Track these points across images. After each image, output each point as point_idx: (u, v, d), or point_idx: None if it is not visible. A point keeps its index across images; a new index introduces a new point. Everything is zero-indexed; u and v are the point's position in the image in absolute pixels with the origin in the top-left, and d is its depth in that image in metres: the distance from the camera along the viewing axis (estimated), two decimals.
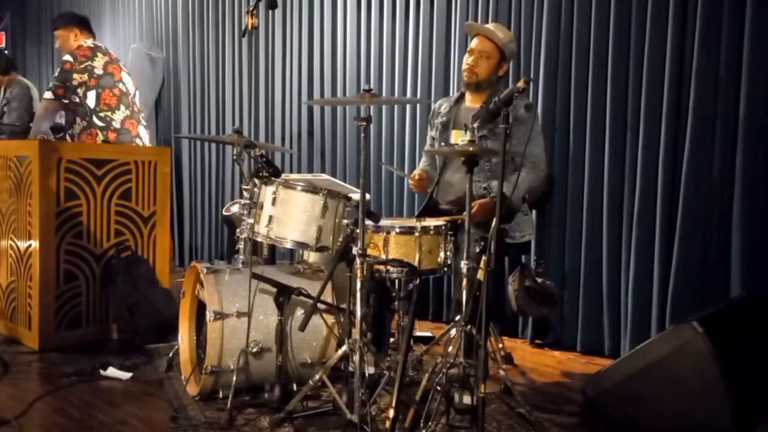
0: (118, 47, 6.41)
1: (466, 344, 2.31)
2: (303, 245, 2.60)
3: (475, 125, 2.99)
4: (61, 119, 3.87)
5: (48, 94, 3.71)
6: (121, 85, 3.79)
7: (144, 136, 3.87)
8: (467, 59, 3.08)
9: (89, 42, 3.85)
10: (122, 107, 3.75)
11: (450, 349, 2.36)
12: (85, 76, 3.63)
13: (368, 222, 2.50)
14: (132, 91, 3.88)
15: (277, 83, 4.98)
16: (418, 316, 3.32)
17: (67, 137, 3.71)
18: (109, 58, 3.80)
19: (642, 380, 2.18)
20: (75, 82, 3.63)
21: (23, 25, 8.11)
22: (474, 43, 3.09)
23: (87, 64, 3.65)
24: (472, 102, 3.14)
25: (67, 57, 3.67)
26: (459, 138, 3.11)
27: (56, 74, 3.68)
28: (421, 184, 3.15)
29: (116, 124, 3.71)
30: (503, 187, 2.17)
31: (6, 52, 7.36)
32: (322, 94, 4.62)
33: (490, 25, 3.19)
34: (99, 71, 3.69)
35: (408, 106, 4.10)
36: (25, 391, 2.61)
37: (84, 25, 4.05)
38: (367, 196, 2.56)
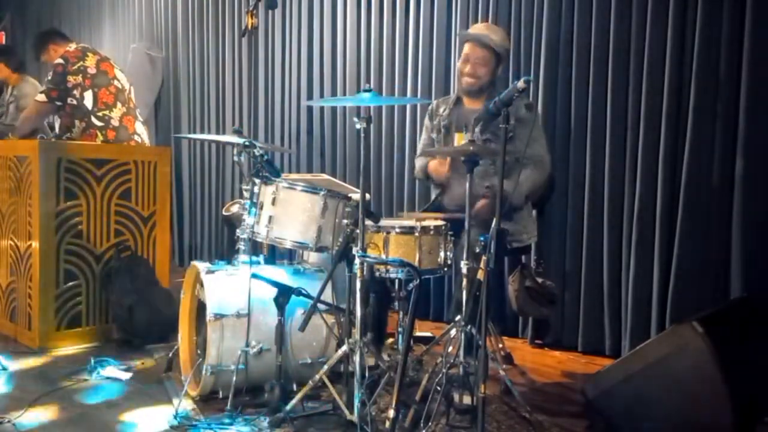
0: (118, 47, 6.41)
1: (466, 344, 2.31)
2: (303, 245, 2.60)
3: (478, 128, 2.98)
4: (55, 123, 3.84)
5: (41, 97, 3.65)
6: (116, 82, 3.76)
7: (142, 132, 3.85)
8: (464, 68, 3.06)
9: (74, 46, 3.83)
10: (119, 104, 3.72)
11: (450, 349, 2.36)
12: (80, 78, 3.59)
13: (368, 222, 2.50)
14: (127, 87, 3.85)
15: (276, 83, 4.98)
16: (418, 316, 3.32)
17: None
18: (100, 57, 3.78)
19: (642, 380, 2.18)
20: (70, 85, 3.58)
21: (23, 25, 8.10)
22: (468, 48, 3.05)
23: (79, 64, 3.62)
24: (471, 104, 3.13)
25: (59, 60, 3.62)
26: (462, 141, 3.10)
27: (49, 78, 3.62)
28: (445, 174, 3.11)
29: (115, 123, 3.68)
30: (504, 185, 2.17)
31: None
32: (322, 94, 4.62)
33: (482, 27, 3.18)
34: (92, 70, 3.66)
35: (408, 106, 4.10)
36: (25, 391, 2.60)
37: (56, 35, 4.10)
38: (367, 196, 2.55)
